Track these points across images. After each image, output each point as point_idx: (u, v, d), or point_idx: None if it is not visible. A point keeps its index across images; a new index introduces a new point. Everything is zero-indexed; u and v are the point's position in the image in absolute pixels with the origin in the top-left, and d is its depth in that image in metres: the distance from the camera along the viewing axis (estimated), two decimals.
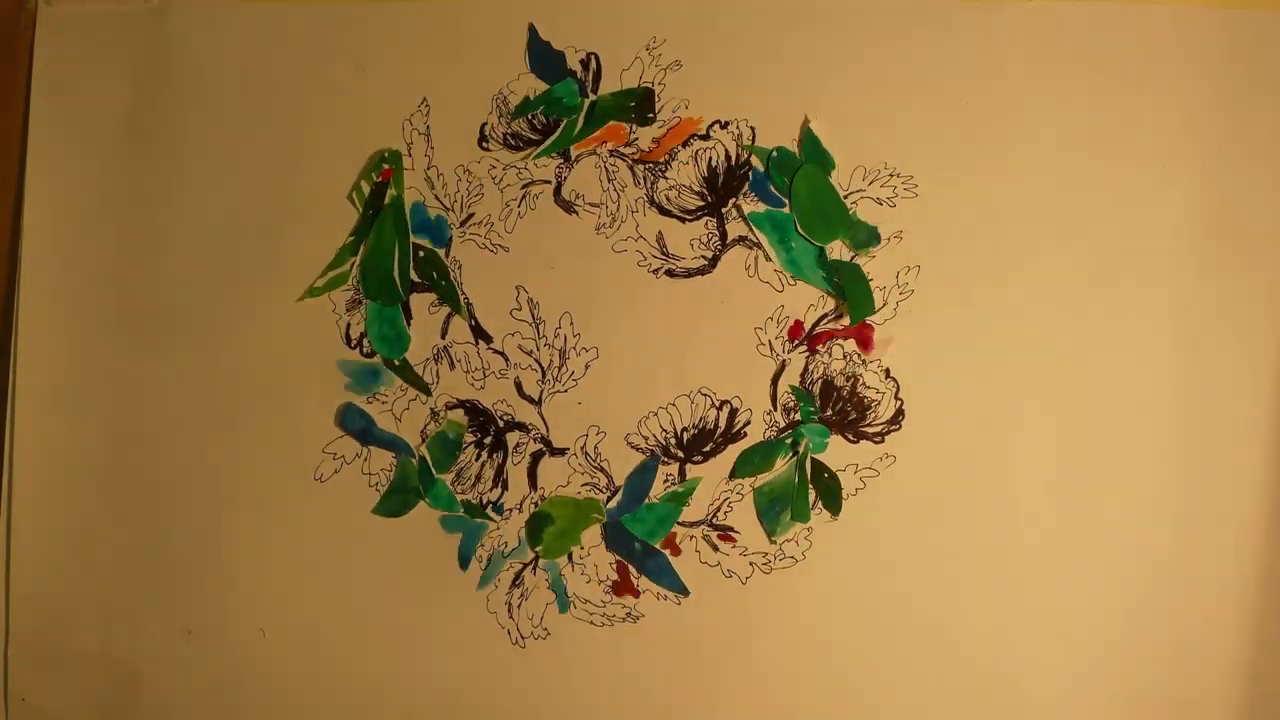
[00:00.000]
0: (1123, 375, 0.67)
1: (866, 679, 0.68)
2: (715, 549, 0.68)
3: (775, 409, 0.68)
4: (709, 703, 0.69)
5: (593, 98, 0.68)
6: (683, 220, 0.68)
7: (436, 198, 0.69)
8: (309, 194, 0.69)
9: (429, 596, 0.69)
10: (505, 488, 0.69)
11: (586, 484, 0.69)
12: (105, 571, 0.70)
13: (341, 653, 0.69)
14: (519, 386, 0.69)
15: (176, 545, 0.69)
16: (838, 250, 0.68)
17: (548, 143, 0.67)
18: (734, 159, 0.67)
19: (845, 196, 0.67)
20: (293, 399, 0.69)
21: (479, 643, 0.69)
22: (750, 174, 0.67)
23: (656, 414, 0.68)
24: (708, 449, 0.68)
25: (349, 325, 0.69)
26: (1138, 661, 0.67)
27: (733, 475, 0.68)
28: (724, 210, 0.68)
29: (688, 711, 0.69)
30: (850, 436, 0.68)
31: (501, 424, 0.69)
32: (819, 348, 0.68)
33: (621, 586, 0.69)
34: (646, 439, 0.68)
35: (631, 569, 0.69)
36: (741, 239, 0.68)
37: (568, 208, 0.68)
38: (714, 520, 0.68)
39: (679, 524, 0.68)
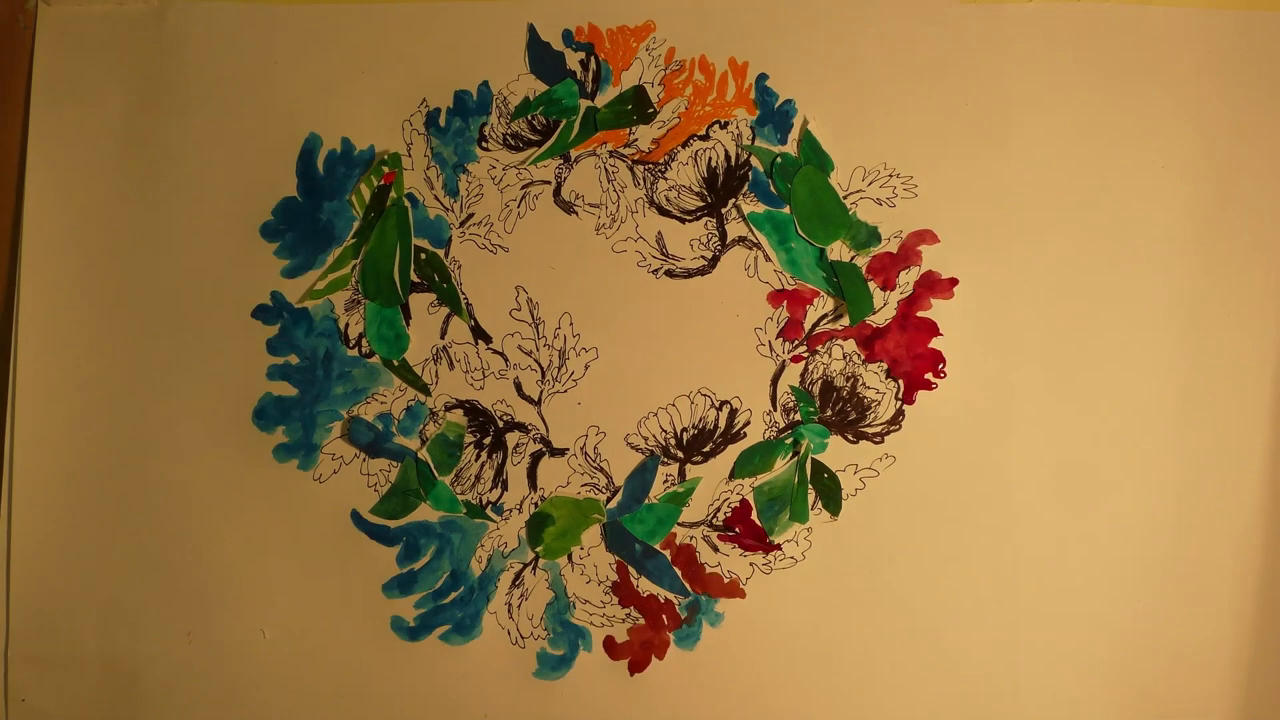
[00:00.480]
0: (1123, 375, 0.67)
1: (865, 679, 0.68)
2: (715, 549, 0.68)
3: (775, 409, 0.68)
4: (706, 702, 0.69)
5: (590, 104, 0.68)
6: (682, 221, 0.68)
7: (436, 198, 0.69)
8: None
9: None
10: (505, 488, 0.69)
11: (586, 484, 0.69)
12: (105, 573, 0.70)
13: (341, 654, 0.69)
14: (519, 387, 0.69)
15: (177, 547, 0.69)
16: (838, 251, 0.68)
17: (545, 147, 0.67)
18: (733, 159, 0.67)
19: (845, 197, 0.67)
20: None
21: (478, 643, 0.69)
22: (750, 174, 0.67)
23: (656, 414, 0.68)
24: (707, 449, 0.68)
25: (348, 325, 0.69)
26: (1138, 661, 0.67)
27: (733, 475, 0.68)
28: (724, 211, 0.68)
29: (685, 712, 0.69)
30: (850, 437, 0.68)
31: (501, 424, 0.69)
32: (818, 348, 0.68)
33: (621, 587, 0.69)
34: (646, 439, 0.68)
35: (631, 570, 0.69)
36: (741, 239, 0.68)
37: (567, 208, 0.68)
38: (713, 521, 0.68)
39: (679, 524, 0.68)
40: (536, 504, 0.69)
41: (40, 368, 0.69)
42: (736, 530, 0.68)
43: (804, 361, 0.68)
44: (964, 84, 0.66)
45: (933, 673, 0.68)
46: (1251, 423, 0.66)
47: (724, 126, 0.67)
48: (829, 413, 0.68)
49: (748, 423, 0.68)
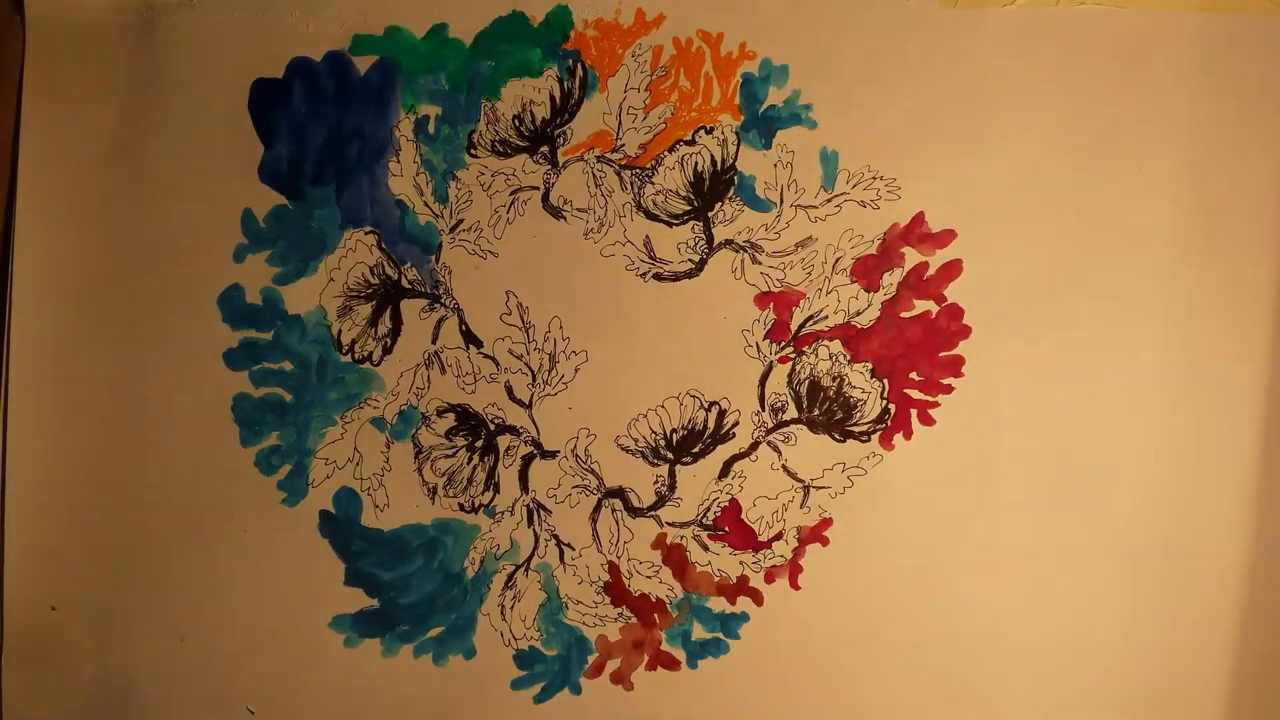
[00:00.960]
0: (1111, 374, 0.67)
1: (853, 679, 0.69)
2: (705, 549, 0.69)
3: (764, 410, 0.69)
4: (701, 702, 0.69)
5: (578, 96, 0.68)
6: (669, 225, 0.69)
7: (425, 205, 0.69)
8: None
9: None
10: (497, 490, 0.70)
11: (577, 486, 0.69)
12: (99, 577, 0.70)
13: (335, 659, 0.70)
14: (509, 390, 0.69)
15: (171, 551, 0.70)
16: None
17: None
18: (719, 164, 0.68)
19: (830, 199, 0.68)
20: None
21: (473, 645, 0.70)
22: (735, 179, 0.68)
23: (646, 416, 0.69)
24: (697, 450, 0.69)
25: (340, 332, 0.69)
26: (1128, 661, 0.68)
27: (722, 475, 0.69)
28: (710, 214, 0.68)
29: (680, 712, 0.69)
30: (837, 436, 0.69)
31: (492, 427, 0.70)
32: (805, 349, 0.69)
33: (612, 588, 0.69)
34: (636, 441, 0.69)
35: (623, 570, 0.69)
36: (728, 242, 0.68)
37: (556, 213, 0.69)
38: (703, 520, 0.69)
39: (669, 525, 0.69)
40: (529, 506, 0.70)
41: (33, 374, 0.69)
42: (726, 530, 0.69)
43: (791, 362, 0.69)
44: (946, 88, 0.67)
45: (921, 671, 0.68)
46: (1245, 420, 0.67)
47: (709, 132, 0.68)
48: (816, 412, 0.69)
49: (736, 423, 0.69)
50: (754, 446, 0.69)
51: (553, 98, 0.68)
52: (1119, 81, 0.66)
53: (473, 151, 0.69)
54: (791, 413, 0.69)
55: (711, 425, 0.69)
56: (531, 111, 0.68)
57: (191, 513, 0.70)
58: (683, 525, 0.69)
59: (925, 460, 0.68)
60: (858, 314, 0.68)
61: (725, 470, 0.69)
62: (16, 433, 0.70)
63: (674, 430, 0.69)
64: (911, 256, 0.68)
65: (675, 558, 0.69)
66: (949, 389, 0.68)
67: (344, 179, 0.69)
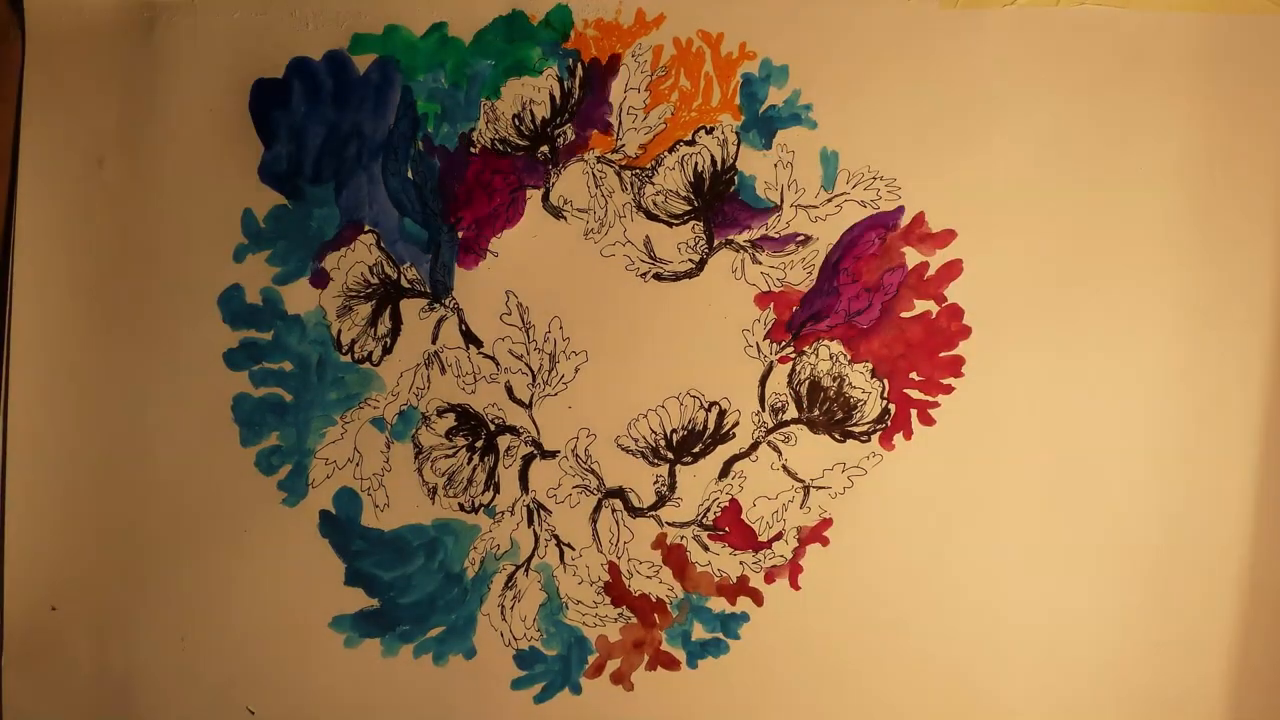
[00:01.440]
0: (1111, 373, 0.67)
1: (855, 676, 0.69)
2: (705, 549, 0.69)
3: (764, 410, 0.69)
4: (701, 703, 0.70)
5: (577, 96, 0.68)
6: (669, 225, 0.69)
7: (426, 204, 0.69)
8: None
9: None
10: (497, 491, 0.70)
11: (577, 486, 0.69)
12: (99, 577, 0.70)
13: (335, 659, 0.70)
14: (510, 390, 0.70)
15: (171, 551, 0.70)
16: None
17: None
18: (719, 164, 0.68)
19: (830, 199, 0.68)
20: None
21: (473, 645, 0.70)
22: (736, 178, 0.68)
23: (646, 416, 0.69)
24: (697, 450, 0.69)
25: (340, 332, 0.69)
26: (1127, 662, 0.68)
27: (722, 475, 0.69)
28: (710, 214, 0.68)
29: (680, 713, 0.70)
30: (837, 436, 0.69)
31: (492, 427, 0.70)
32: (805, 349, 0.69)
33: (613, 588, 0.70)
34: (636, 440, 0.69)
35: (623, 570, 0.69)
36: (728, 242, 0.68)
37: (556, 213, 0.69)
38: (703, 520, 0.69)
39: (669, 525, 0.69)
40: (529, 506, 0.70)
41: (33, 374, 0.70)
42: (726, 530, 0.69)
43: (791, 362, 0.69)
44: (946, 88, 0.67)
45: (918, 669, 0.69)
46: (1244, 420, 0.67)
47: (710, 132, 0.68)
48: (816, 412, 0.69)
49: (736, 423, 0.69)
50: (754, 446, 0.69)
51: (552, 97, 0.68)
52: (1119, 81, 0.66)
53: (471, 150, 0.69)
54: (791, 413, 0.69)
55: (711, 425, 0.69)
56: (531, 111, 0.68)
57: (191, 513, 0.70)
58: (683, 525, 0.69)
59: (925, 460, 0.68)
60: (858, 314, 0.68)
61: (725, 470, 0.69)
62: (16, 433, 0.70)
63: (674, 430, 0.69)
64: (912, 256, 0.68)
65: (675, 558, 0.69)
66: (949, 389, 0.68)
67: (343, 178, 0.69)
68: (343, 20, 0.68)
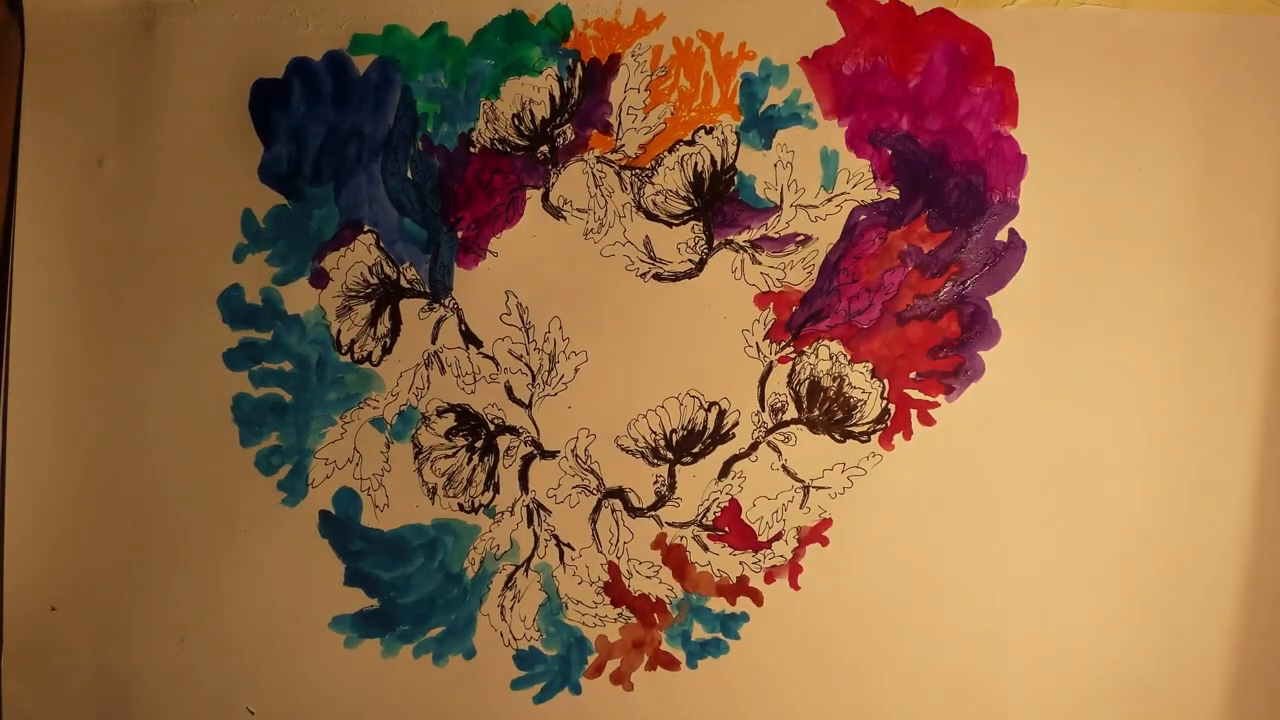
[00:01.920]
0: (1111, 373, 0.67)
1: (854, 676, 0.69)
2: (705, 549, 0.69)
3: (764, 410, 0.69)
4: (701, 703, 0.70)
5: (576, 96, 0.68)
6: (669, 225, 0.68)
7: (425, 204, 0.69)
8: None
9: None
10: (497, 491, 0.70)
11: (577, 486, 0.69)
12: (99, 577, 0.70)
13: (335, 660, 0.70)
14: (509, 390, 0.70)
15: (171, 551, 0.70)
16: None
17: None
18: (719, 164, 0.68)
19: (830, 199, 0.68)
20: None
21: (472, 646, 0.70)
22: (736, 178, 0.68)
23: (645, 416, 0.69)
24: (696, 450, 0.69)
25: (339, 332, 0.69)
26: (1128, 660, 0.68)
27: (722, 475, 0.69)
28: (710, 214, 0.68)
29: (679, 713, 0.70)
30: (837, 436, 0.69)
31: (492, 428, 0.70)
32: (805, 349, 0.69)
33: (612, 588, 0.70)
34: (636, 441, 0.69)
35: (623, 570, 0.69)
36: (728, 242, 0.68)
37: (555, 213, 0.69)
38: (703, 521, 0.69)
39: (669, 525, 0.69)
40: (529, 506, 0.70)
41: (33, 374, 0.70)
42: (726, 530, 0.69)
43: (791, 362, 0.69)
44: None
45: (921, 668, 0.69)
46: (1245, 419, 0.67)
47: (709, 132, 0.68)
48: (816, 412, 0.69)
49: (736, 423, 0.69)
50: (754, 447, 0.69)
51: (552, 97, 0.68)
52: (1119, 81, 0.66)
53: (471, 150, 0.69)
54: (791, 413, 0.69)
55: (711, 425, 0.69)
56: (531, 110, 0.68)
57: (191, 512, 0.70)
58: (683, 525, 0.69)
59: (925, 460, 0.68)
60: (858, 314, 0.68)
61: (725, 470, 0.69)
62: (16, 433, 0.70)
63: (674, 430, 0.69)
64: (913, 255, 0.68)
65: (675, 558, 0.69)
66: (949, 389, 0.68)
67: (343, 178, 0.69)
68: (342, 20, 0.68)
